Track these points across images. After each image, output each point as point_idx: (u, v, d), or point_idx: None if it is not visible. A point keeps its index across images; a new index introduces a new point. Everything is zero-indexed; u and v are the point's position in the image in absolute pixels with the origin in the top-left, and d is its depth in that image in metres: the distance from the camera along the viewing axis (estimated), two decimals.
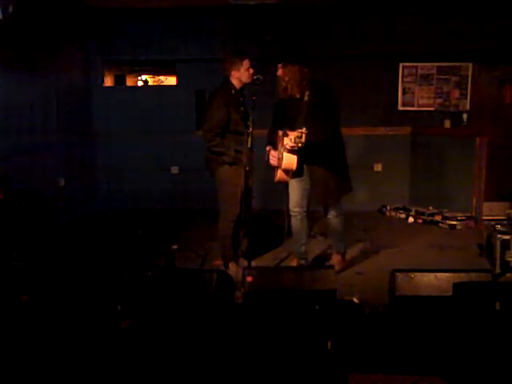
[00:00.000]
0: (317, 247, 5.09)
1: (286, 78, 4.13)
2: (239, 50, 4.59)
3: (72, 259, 4.67)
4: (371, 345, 2.97)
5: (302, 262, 4.50)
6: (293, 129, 3.94)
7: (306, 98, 4.14)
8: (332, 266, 4.05)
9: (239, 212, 4.48)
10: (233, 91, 4.45)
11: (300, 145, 3.73)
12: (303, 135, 3.69)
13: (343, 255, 4.63)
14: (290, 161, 4.00)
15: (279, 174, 4.21)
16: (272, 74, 4.26)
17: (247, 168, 4.37)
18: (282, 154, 4.00)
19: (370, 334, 3.13)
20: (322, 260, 4.81)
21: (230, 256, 4.57)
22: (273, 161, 4.24)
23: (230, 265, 4.54)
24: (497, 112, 6.59)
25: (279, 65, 4.16)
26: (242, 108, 4.50)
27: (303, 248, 4.49)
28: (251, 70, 4.43)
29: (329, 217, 4.44)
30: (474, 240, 5.22)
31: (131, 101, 7.08)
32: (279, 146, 4.15)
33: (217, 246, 4.70)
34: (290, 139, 3.82)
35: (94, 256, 4.90)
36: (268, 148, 4.31)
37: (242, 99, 4.51)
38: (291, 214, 4.41)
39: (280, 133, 4.09)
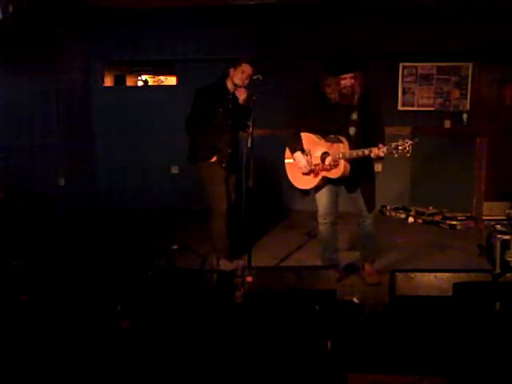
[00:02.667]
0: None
1: (355, 87, 3.90)
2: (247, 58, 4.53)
3: (72, 259, 4.67)
4: (371, 345, 2.97)
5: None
6: (340, 133, 3.94)
7: (355, 102, 3.97)
8: (333, 266, 4.03)
9: (227, 207, 4.47)
10: (222, 87, 4.46)
11: (396, 156, 3.66)
12: (410, 147, 3.61)
13: (373, 262, 4.47)
14: (347, 168, 3.96)
15: (319, 181, 4.08)
16: (271, 73, 4.23)
17: (223, 165, 4.40)
18: (338, 162, 3.93)
19: (370, 334, 3.12)
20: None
21: (223, 253, 4.57)
22: (306, 168, 4.07)
23: (220, 262, 4.54)
24: (497, 112, 6.59)
25: (349, 74, 3.87)
26: (231, 106, 4.48)
27: (335, 255, 4.33)
28: (245, 74, 4.37)
29: (368, 221, 4.27)
30: (474, 240, 5.21)
31: (131, 101, 7.08)
32: (318, 151, 4.03)
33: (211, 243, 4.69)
34: (378, 148, 3.72)
35: (94, 256, 4.90)
36: (297, 154, 4.10)
37: (230, 96, 4.48)
38: (321, 221, 4.24)
39: (324, 139, 4.01)
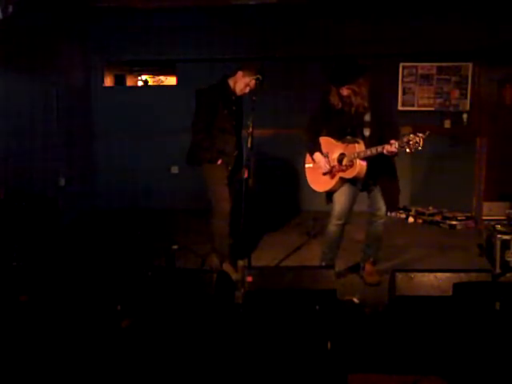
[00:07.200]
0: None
1: (351, 97, 3.95)
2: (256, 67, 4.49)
3: (72, 259, 4.67)
4: (371, 345, 2.97)
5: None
6: (356, 135, 3.99)
7: (360, 109, 4.00)
8: (332, 267, 4.03)
9: (230, 209, 4.44)
10: (225, 88, 4.43)
11: (408, 150, 3.65)
12: (422, 140, 3.61)
13: (374, 264, 4.46)
14: (363, 168, 3.98)
15: (336, 182, 4.10)
16: (271, 74, 4.21)
17: (230, 168, 4.39)
18: (353, 161, 3.96)
19: (369, 334, 3.13)
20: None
21: (225, 255, 4.55)
22: (325, 167, 4.11)
23: (223, 264, 4.52)
24: (497, 112, 6.59)
25: (345, 86, 3.93)
26: (235, 107, 4.48)
27: (335, 256, 4.37)
28: (247, 87, 4.37)
29: (381, 221, 4.23)
30: (474, 240, 5.22)
31: (131, 101, 7.08)
32: (335, 153, 4.08)
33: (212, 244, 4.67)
34: (390, 144, 3.74)
35: (94, 256, 4.90)
36: (317, 155, 4.15)
37: (234, 98, 4.47)
38: (334, 222, 4.20)
39: (340, 141, 4.05)
